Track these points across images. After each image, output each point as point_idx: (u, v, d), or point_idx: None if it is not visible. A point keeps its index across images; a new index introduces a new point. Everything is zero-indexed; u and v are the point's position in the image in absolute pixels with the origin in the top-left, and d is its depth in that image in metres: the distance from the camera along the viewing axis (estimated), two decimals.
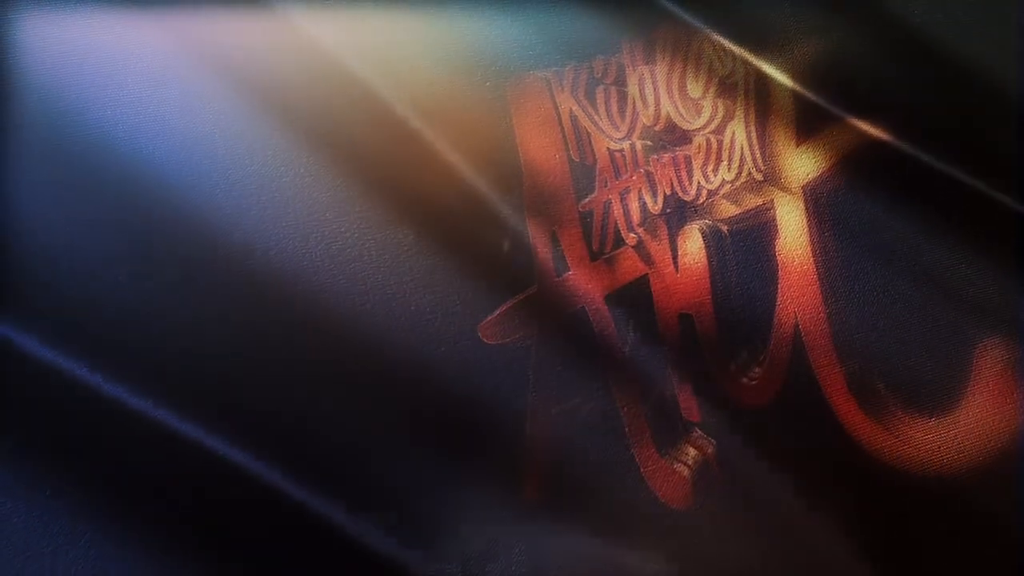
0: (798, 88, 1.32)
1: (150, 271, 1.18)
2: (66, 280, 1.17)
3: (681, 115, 1.32)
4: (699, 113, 1.32)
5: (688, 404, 1.34)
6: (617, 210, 1.32)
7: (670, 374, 1.34)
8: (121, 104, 1.19)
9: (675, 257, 1.33)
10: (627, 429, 1.31)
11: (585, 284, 1.32)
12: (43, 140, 1.18)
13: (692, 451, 1.33)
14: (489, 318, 1.27)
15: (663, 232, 1.33)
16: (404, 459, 1.24)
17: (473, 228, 1.27)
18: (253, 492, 1.19)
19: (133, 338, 1.17)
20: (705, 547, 1.32)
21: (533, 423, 1.28)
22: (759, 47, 1.32)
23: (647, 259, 1.33)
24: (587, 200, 1.32)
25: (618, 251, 1.33)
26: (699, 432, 1.34)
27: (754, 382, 1.35)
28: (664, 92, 1.32)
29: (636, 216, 1.32)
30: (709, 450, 1.33)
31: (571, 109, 1.30)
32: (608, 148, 1.32)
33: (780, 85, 1.32)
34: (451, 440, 1.26)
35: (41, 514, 1.15)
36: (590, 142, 1.31)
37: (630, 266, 1.34)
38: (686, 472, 1.32)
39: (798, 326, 1.34)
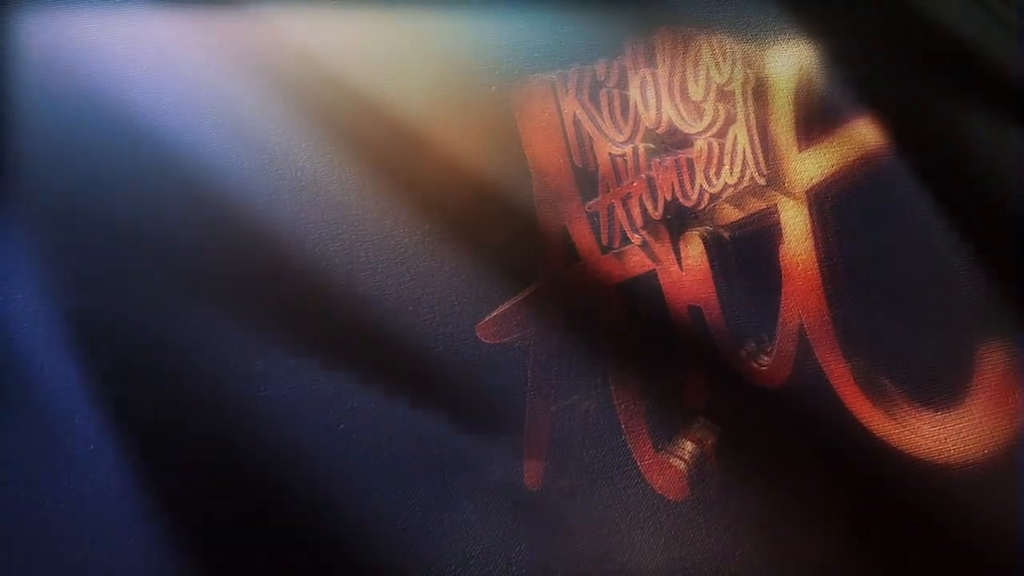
0: (799, 93, 1.32)
1: (153, 265, 1.18)
2: (79, 281, 1.16)
3: (683, 118, 1.32)
4: (701, 116, 1.32)
5: (695, 391, 1.33)
6: (620, 213, 1.32)
7: (677, 362, 1.33)
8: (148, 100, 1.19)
9: (679, 259, 1.33)
10: (624, 425, 1.31)
11: (596, 273, 1.32)
12: (66, 137, 1.17)
13: (690, 445, 1.32)
14: (488, 317, 1.26)
15: (665, 236, 1.33)
16: (403, 457, 1.24)
17: (478, 227, 1.27)
18: (251, 485, 1.20)
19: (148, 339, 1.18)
20: (702, 536, 1.32)
21: (531, 421, 1.27)
22: (759, 53, 1.32)
23: (653, 257, 1.34)
24: (592, 203, 1.32)
25: (626, 248, 1.34)
26: (703, 421, 1.33)
27: (764, 367, 1.35)
28: (666, 95, 1.32)
29: (639, 220, 1.32)
30: (709, 441, 1.32)
31: (575, 113, 1.30)
32: (610, 153, 1.32)
33: (780, 90, 1.32)
34: (450, 437, 1.26)
35: None
36: (592, 148, 1.31)
37: (638, 261, 1.34)
38: (682, 466, 1.32)
39: (803, 326, 1.33)
